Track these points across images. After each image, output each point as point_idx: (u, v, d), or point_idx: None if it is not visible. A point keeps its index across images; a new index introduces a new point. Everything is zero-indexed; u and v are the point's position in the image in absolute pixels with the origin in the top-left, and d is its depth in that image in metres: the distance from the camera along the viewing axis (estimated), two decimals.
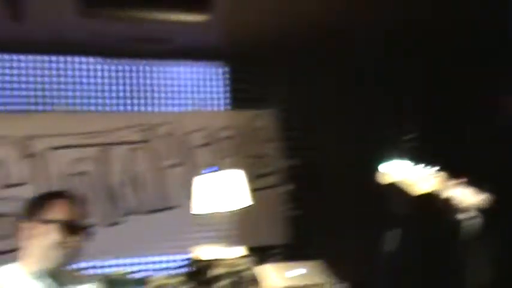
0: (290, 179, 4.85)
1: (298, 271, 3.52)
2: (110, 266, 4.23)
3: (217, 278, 3.45)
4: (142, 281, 3.57)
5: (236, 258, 3.68)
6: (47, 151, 4.28)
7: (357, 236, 4.38)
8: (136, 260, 4.40)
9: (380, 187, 3.02)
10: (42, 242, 2.26)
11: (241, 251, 3.90)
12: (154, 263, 4.42)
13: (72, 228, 2.30)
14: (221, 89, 4.95)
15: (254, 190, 4.37)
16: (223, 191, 3.60)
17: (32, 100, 4.43)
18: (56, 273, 2.22)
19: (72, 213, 2.33)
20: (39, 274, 2.17)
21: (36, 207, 2.32)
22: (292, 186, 4.83)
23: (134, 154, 4.50)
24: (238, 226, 4.38)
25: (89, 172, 4.37)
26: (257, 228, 4.49)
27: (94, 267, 4.11)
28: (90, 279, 2.51)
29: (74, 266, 2.45)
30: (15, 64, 4.42)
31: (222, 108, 4.93)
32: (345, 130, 4.75)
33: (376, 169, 2.99)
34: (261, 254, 3.90)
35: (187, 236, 4.43)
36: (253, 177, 4.64)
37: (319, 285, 3.39)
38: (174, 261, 4.41)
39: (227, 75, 4.94)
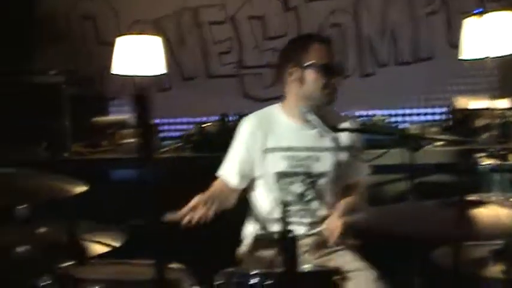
0: None
1: None
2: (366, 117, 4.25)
3: (483, 128, 3.28)
4: (401, 130, 3.56)
5: (503, 109, 3.42)
6: (302, 3, 4.32)
7: None
8: (391, 112, 4.34)
9: None
10: (301, 85, 2.35)
11: (507, 103, 3.61)
12: (410, 115, 4.32)
13: (330, 70, 2.34)
14: None
15: None
16: (489, 36, 3.28)
17: None
18: (316, 113, 2.31)
19: (328, 56, 2.36)
20: (300, 112, 2.27)
21: (295, 52, 2.39)
22: None
23: (389, 3, 4.29)
24: (505, 77, 4.00)
25: (344, 23, 4.32)
26: None
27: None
28: (349, 118, 2.57)
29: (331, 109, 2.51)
30: None
31: None
32: None
33: None
34: None
35: (446, 88, 4.20)
36: None
37: None
38: (433, 113, 4.25)
39: None
